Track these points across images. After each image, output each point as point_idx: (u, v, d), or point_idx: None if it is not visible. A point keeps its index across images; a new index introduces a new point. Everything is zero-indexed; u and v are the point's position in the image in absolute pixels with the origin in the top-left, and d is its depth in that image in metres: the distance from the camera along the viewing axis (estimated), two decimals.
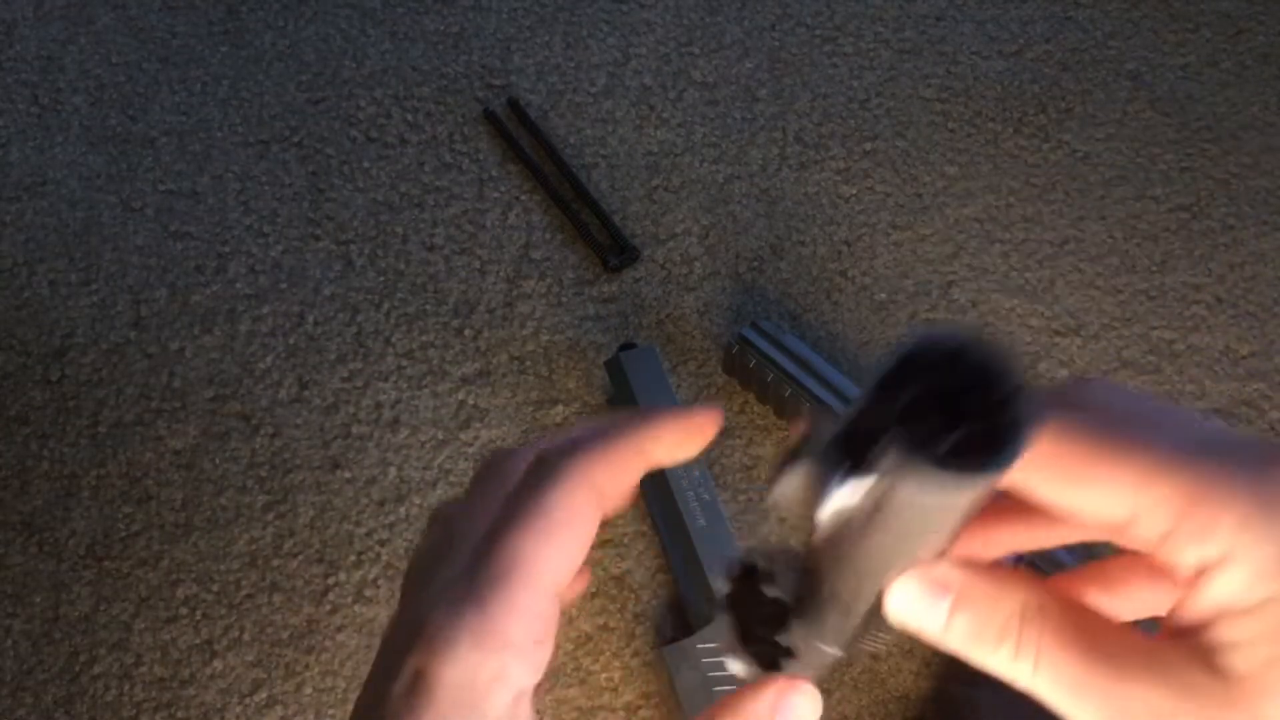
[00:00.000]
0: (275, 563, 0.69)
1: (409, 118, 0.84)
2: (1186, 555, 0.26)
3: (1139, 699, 0.27)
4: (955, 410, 0.25)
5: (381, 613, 0.68)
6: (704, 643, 0.62)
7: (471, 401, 0.74)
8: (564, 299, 0.77)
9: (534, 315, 0.77)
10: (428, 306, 0.77)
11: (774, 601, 0.31)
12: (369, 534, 0.70)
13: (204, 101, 0.85)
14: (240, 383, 0.74)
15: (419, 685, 0.29)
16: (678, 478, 0.66)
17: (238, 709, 0.66)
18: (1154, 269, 0.79)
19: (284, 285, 0.78)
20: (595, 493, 0.31)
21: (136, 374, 0.75)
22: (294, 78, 0.86)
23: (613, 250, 0.78)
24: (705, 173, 0.82)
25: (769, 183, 0.82)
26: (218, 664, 0.67)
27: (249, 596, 0.68)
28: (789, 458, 0.27)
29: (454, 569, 0.31)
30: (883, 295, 0.77)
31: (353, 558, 0.69)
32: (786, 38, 0.88)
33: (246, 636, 0.67)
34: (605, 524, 0.32)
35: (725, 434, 0.72)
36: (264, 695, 0.66)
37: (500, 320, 0.77)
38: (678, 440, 0.33)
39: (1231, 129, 0.84)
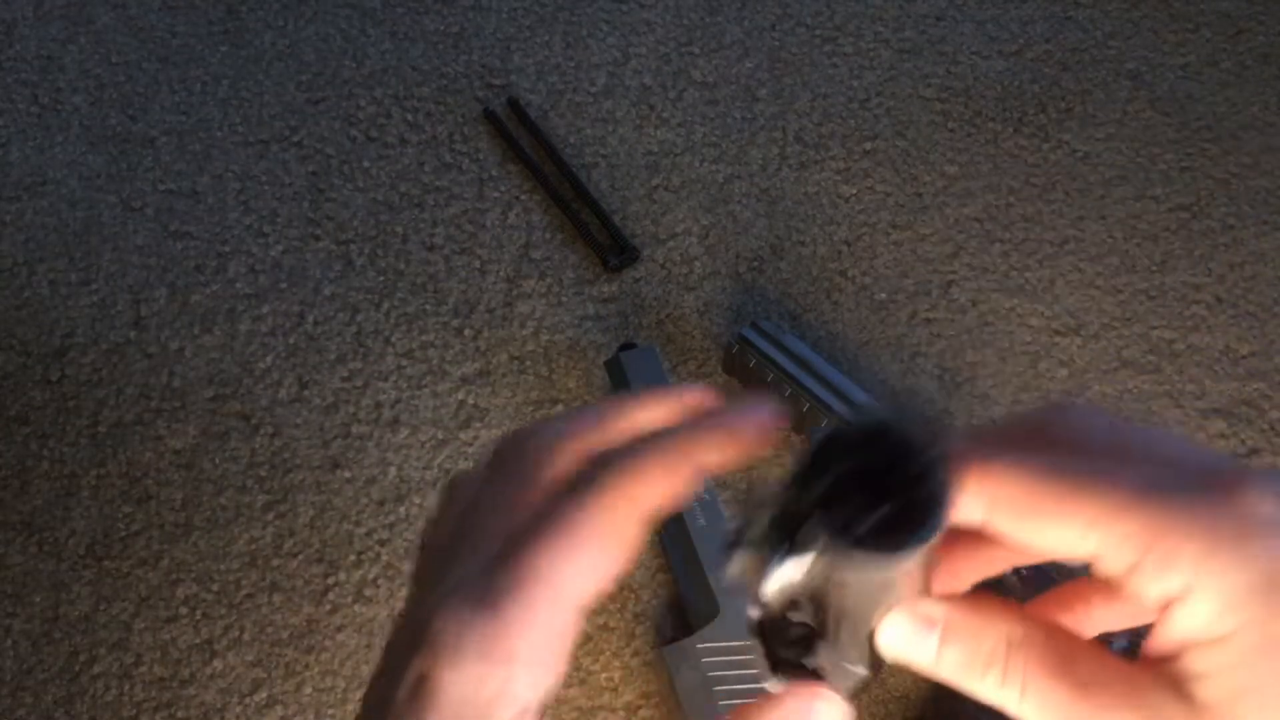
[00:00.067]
0: (275, 563, 0.69)
1: (409, 118, 0.84)
2: (1151, 590, 0.27)
3: None
4: (878, 488, 0.26)
5: (381, 612, 0.68)
6: (704, 642, 0.62)
7: (471, 401, 0.74)
8: (564, 299, 0.77)
9: (534, 315, 0.77)
10: (428, 306, 0.77)
11: (801, 624, 0.31)
12: (369, 534, 0.70)
13: (204, 101, 0.85)
14: (240, 382, 0.74)
15: (421, 691, 0.28)
16: None
17: (238, 709, 0.66)
18: (1154, 269, 0.79)
19: (284, 285, 0.78)
20: (638, 508, 0.29)
21: (136, 374, 0.75)
22: (294, 78, 0.86)
23: (613, 250, 0.78)
24: (705, 173, 0.82)
25: (769, 183, 0.82)
26: (218, 664, 0.67)
27: (249, 596, 0.68)
28: (733, 540, 0.28)
29: (471, 565, 0.30)
30: (883, 295, 0.77)
31: (353, 558, 0.69)
32: (786, 38, 0.88)
33: (246, 636, 0.67)
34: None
35: None
36: (264, 695, 0.66)
37: (500, 320, 0.77)
38: (737, 451, 0.31)
39: (1231, 129, 0.84)
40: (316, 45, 0.87)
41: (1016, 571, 0.60)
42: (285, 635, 0.67)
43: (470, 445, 0.73)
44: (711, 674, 0.61)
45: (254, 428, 0.73)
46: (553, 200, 0.80)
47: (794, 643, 0.31)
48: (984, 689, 0.30)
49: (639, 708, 0.65)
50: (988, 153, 0.83)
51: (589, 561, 0.29)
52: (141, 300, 0.77)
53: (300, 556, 0.69)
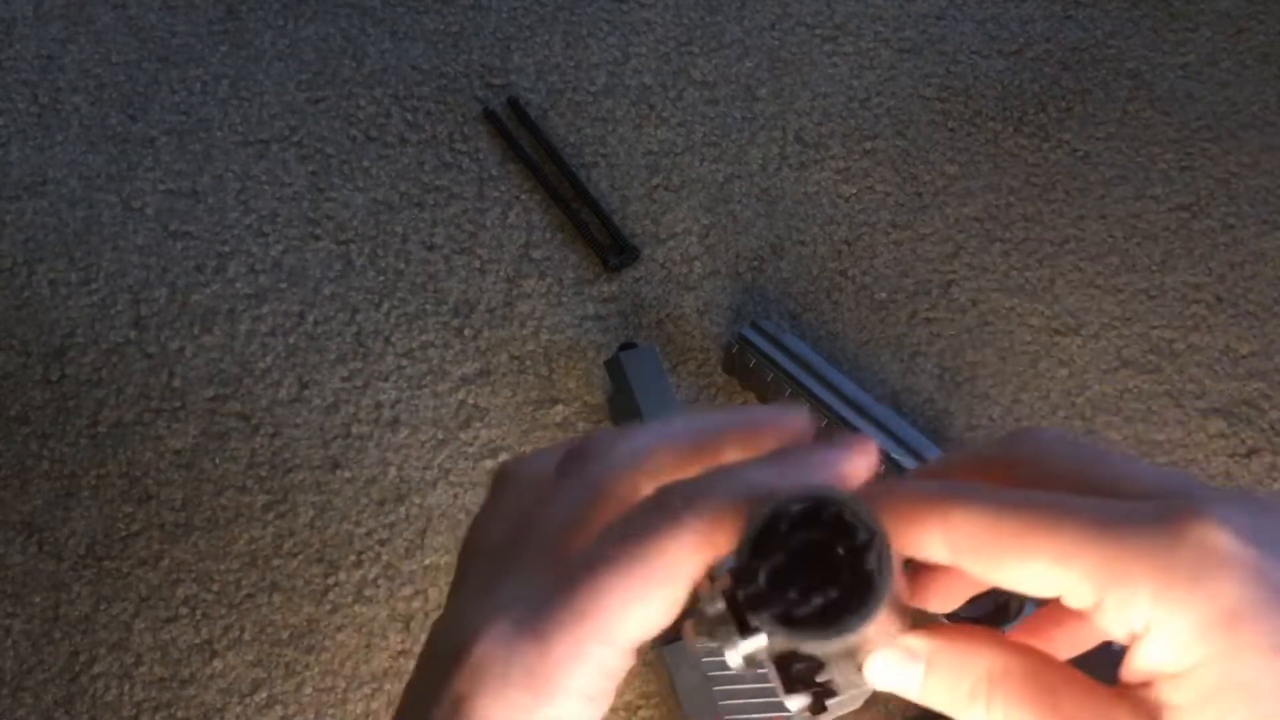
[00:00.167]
0: (275, 563, 0.69)
1: (409, 117, 0.84)
2: (1113, 627, 0.27)
3: None
4: (820, 568, 0.27)
5: (381, 612, 0.68)
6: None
7: (471, 401, 0.74)
8: (564, 299, 0.77)
9: (534, 315, 0.77)
10: (428, 306, 0.77)
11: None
12: (369, 534, 0.70)
13: (204, 101, 0.85)
14: (240, 383, 0.74)
15: (460, 714, 0.27)
16: None
17: (238, 709, 0.66)
18: (1154, 268, 0.79)
19: (284, 285, 0.78)
20: (713, 554, 0.28)
21: (136, 374, 0.75)
22: (294, 78, 0.86)
23: (613, 250, 0.78)
24: (705, 172, 0.82)
25: (769, 182, 0.82)
26: (218, 664, 0.67)
27: (249, 596, 0.68)
28: (692, 616, 0.29)
29: (524, 580, 0.29)
30: (883, 295, 0.77)
31: (353, 558, 0.69)
32: (786, 37, 0.88)
33: (246, 636, 0.67)
34: None
35: None
36: (264, 695, 0.66)
37: (500, 320, 0.77)
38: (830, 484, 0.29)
39: (1231, 129, 0.84)
40: (316, 45, 0.87)
41: None
42: (285, 635, 0.67)
43: (470, 445, 0.73)
44: (711, 674, 0.61)
45: (254, 428, 0.73)
46: (553, 200, 0.80)
47: (806, 659, 0.32)
48: (970, 718, 0.30)
49: (639, 708, 0.65)
50: (988, 152, 0.83)
51: (653, 605, 0.28)
52: (141, 300, 0.77)
53: (300, 556, 0.69)
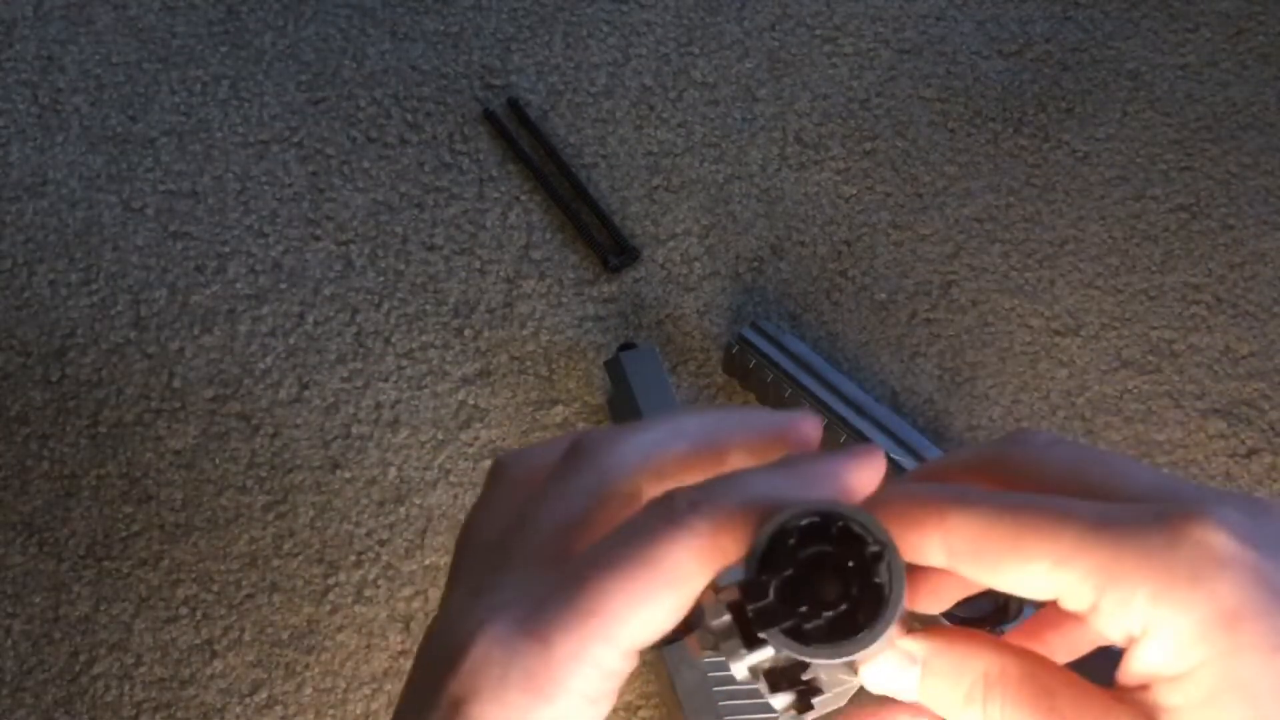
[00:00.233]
0: (275, 563, 0.69)
1: (409, 118, 0.84)
2: (1111, 630, 0.27)
3: None
4: (829, 583, 0.27)
5: (381, 613, 0.68)
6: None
7: (471, 401, 0.74)
8: (564, 299, 0.77)
9: (534, 315, 0.77)
10: (428, 306, 0.77)
11: None
12: (369, 534, 0.70)
13: (204, 101, 0.85)
14: (240, 383, 0.75)
15: (457, 718, 0.27)
16: None
17: (238, 709, 0.66)
18: (1154, 269, 0.79)
19: (284, 285, 0.78)
20: (720, 560, 0.27)
21: (136, 374, 0.75)
22: (294, 78, 0.86)
23: (613, 250, 0.78)
24: (705, 173, 0.82)
25: (769, 183, 0.82)
26: (218, 664, 0.67)
27: (249, 596, 0.68)
28: (694, 621, 0.29)
29: (522, 579, 0.28)
30: (883, 295, 0.77)
31: (353, 558, 0.69)
32: (786, 38, 0.88)
33: (246, 636, 0.67)
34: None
35: None
36: (264, 695, 0.66)
37: (500, 320, 0.77)
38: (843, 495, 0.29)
39: (1231, 129, 0.84)
40: (316, 45, 0.87)
41: None
42: (285, 635, 0.67)
43: (470, 446, 0.73)
44: (711, 674, 0.61)
45: (254, 428, 0.73)
46: (553, 200, 0.80)
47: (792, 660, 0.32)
48: None
49: (639, 708, 0.65)
50: (988, 153, 0.83)
51: (657, 609, 0.27)
52: (141, 300, 0.77)
53: (300, 557, 0.69)
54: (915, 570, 0.32)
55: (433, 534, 0.70)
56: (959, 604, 0.33)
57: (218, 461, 0.72)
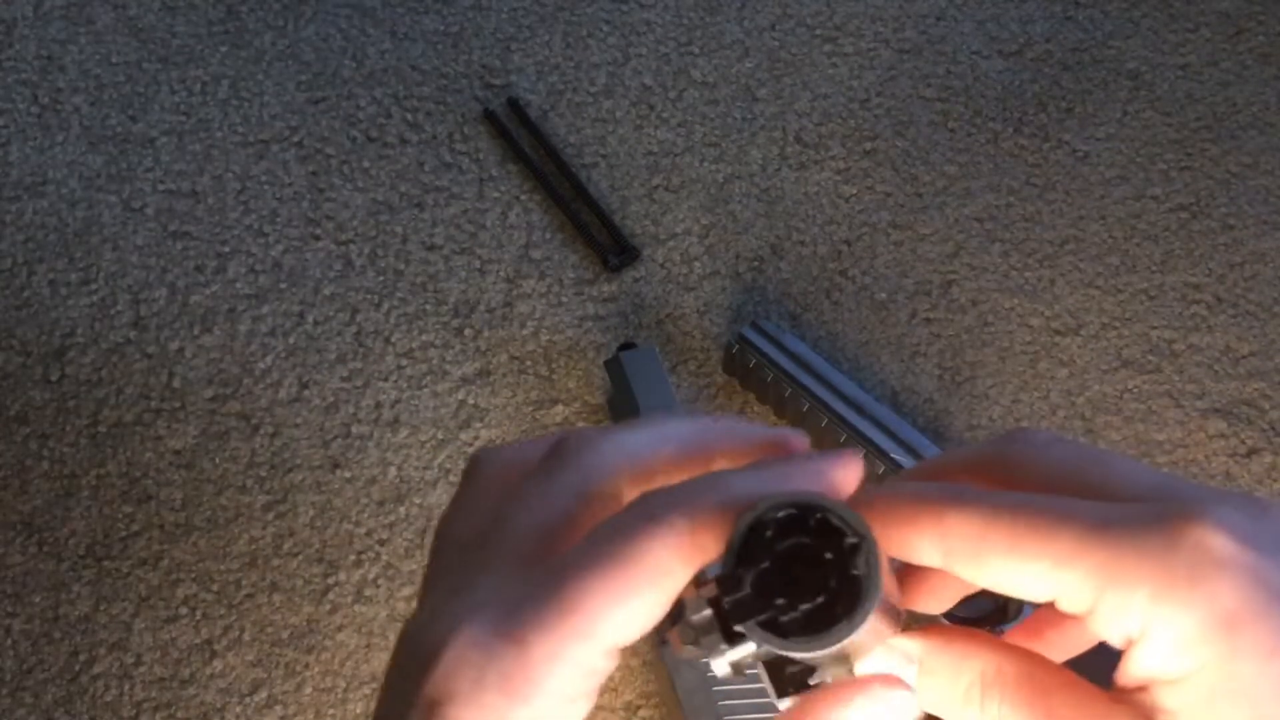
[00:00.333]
0: (275, 563, 0.69)
1: (409, 118, 0.84)
2: (1109, 631, 0.27)
3: None
4: (807, 575, 0.27)
5: (381, 612, 0.68)
6: None
7: (471, 401, 0.74)
8: (564, 299, 0.77)
9: (534, 315, 0.77)
10: (428, 306, 0.77)
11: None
12: (369, 534, 0.70)
13: (204, 101, 0.85)
14: (240, 383, 0.75)
15: None
16: None
17: (238, 709, 0.66)
18: (1154, 268, 0.79)
19: (284, 285, 0.78)
20: (699, 559, 0.27)
21: (136, 374, 0.75)
22: (294, 78, 0.86)
23: (613, 250, 0.78)
24: (705, 173, 0.82)
25: (769, 183, 0.82)
26: (218, 664, 0.67)
27: (249, 596, 0.68)
28: (676, 616, 0.28)
29: (499, 579, 0.28)
30: (883, 295, 0.77)
31: (353, 558, 0.69)
32: (786, 38, 0.88)
33: (246, 636, 0.67)
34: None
35: None
36: (264, 695, 0.66)
37: (500, 320, 0.77)
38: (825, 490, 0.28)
39: (1231, 129, 0.84)
40: (316, 45, 0.87)
41: None
42: (285, 635, 0.67)
43: (470, 445, 0.73)
44: (711, 674, 0.61)
45: (254, 428, 0.73)
46: (553, 200, 0.80)
47: (795, 663, 0.32)
48: None
49: (639, 708, 0.65)
50: (988, 153, 0.83)
51: (637, 607, 0.27)
52: (141, 300, 0.77)
53: (300, 556, 0.69)
54: (914, 571, 0.32)
55: (432, 533, 0.70)
56: (959, 604, 0.33)
57: (217, 461, 0.72)
